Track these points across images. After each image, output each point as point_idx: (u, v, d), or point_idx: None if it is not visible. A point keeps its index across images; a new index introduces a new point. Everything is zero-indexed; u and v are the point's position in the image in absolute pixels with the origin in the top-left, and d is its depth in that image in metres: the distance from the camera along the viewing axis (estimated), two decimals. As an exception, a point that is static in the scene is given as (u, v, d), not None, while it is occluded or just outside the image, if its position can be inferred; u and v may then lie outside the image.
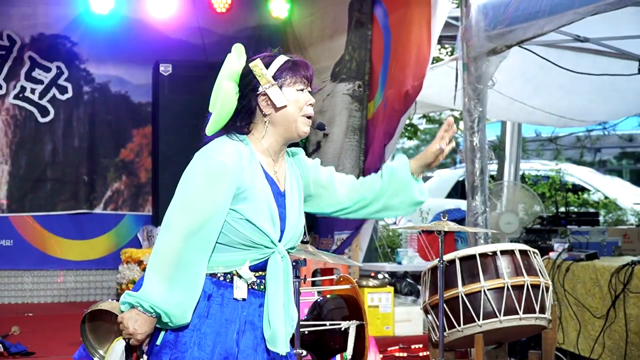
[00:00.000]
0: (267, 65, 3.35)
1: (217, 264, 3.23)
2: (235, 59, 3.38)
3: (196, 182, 3.18)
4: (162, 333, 3.22)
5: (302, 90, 3.35)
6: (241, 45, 3.42)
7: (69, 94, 9.52)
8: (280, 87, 3.32)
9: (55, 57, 9.46)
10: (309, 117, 3.38)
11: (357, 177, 8.24)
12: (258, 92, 3.32)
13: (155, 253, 3.15)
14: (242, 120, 3.33)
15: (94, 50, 9.52)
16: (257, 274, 3.27)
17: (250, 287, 3.26)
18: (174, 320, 3.15)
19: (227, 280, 3.24)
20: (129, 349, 3.26)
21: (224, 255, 3.23)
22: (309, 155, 9.12)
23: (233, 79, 3.34)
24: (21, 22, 9.32)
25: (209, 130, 3.32)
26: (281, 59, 3.37)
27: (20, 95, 9.37)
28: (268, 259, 3.27)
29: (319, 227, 9.07)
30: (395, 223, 11.49)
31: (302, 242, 4.99)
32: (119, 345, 3.31)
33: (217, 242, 3.20)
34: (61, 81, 9.49)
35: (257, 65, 3.33)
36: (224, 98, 3.31)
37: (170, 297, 3.12)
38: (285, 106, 3.32)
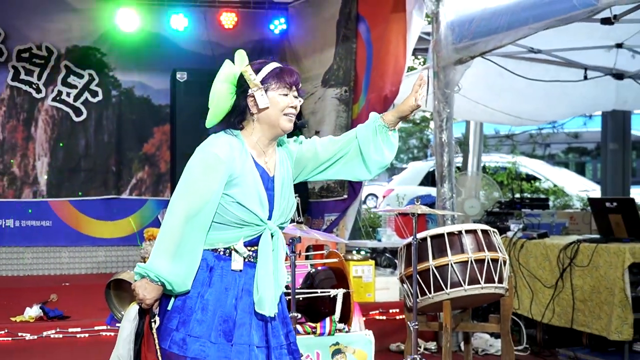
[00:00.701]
0: (257, 71, 3.35)
1: (217, 241, 3.28)
2: (230, 65, 3.39)
3: (195, 172, 3.24)
4: (172, 300, 3.27)
5: (285, 94, 3.34)
6: (243, 52, 3.42)
7: (99, 97, 9.49)
8: (266, 91, 3.32)
9: (87, 65, 9.43)
10: (292, 116, 3.37)
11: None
12: (247, 94, 3.34)
13: (161, 232, 3.22)
14: (236, 117, 3.36)
15: (120, 60, 9.50)
16: (252, 249, 3.31)
17: (247, 260, 3.30)
18: (175, 288, 3.21)
19: (226, 255, 3.29)
20: (142, 312, 3.33)
21: (222, 233, 3.28)
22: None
23: (228, 81, 3.35)
24: (58, 35, 9.29)
25: (208, 123, 3.38)
26: (270, 67, 3.37)
27: (57, 98, 9.35)
28: (261, 235, 3.30)
29: (311, 210, 9.07)
30: (376, 207, 11.50)
31: (297, 222, 5.02)
32: (133, 308, 3.38)
33: (215, 222, 3.25)
34: (92, 86, 9.46)
35: (247, 71, 3.34)
36: (217, 97, 3.34)
37: (172, 268, 3.18)
38: (267, 107, 3.32)
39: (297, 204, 8.59)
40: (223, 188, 3.23)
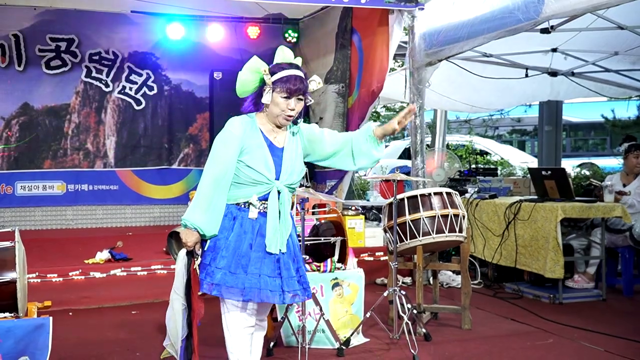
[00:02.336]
0: (273, 73, 3.36)
1: (238, 197, 3.35)
2: (256, 60, 3.41)
3: (217, 147, 3.34)
4: (207, 242, 3.36)
5: (286, 97, 3.34)
6: (285, 47, 3.47)
7: (155, 91, 9.46)
8: (273, 91, 3.34)
9: (145, 66, 9.38)
10: (289, 117, 3.37)
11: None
12: (263, 88, 3.38)
13: (196, 192, 3.31)
14: (256, 99, 3.41)
15: (171, 63, 9.45)
16: (265, 203, 3.36)
17: (261, 211, 3.36)
18: (206, 233, 3.32)
19: (245, 207, 3.35)
20: (190, 253, 3.39)
21: (241, 190, 3.35)
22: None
23: (252, 71, 3.38)
24: (121, 43, 9.23)
25: (238, 92, 3.41)
26: (283, 73, 3.36)
27: (122, 92, 9.31)
28: (270, 192, 3.35)
29: (316, 177, 9.07)
30: (365, 175, 11.47)
31: (306, 187, 5.01)
32: (182, 251, 3.46)
33: (235, 182, 3.33)
34: (149, 82, 9.42)
35: (266, 70, 3.37)
36: (240, 81, 3.38)
37: (203, 218, 3.29)
38: (269, 105, 3.36)
39: (306, 172, 8.63)
40: (237, 156, 3.31)
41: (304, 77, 3.41)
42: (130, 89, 9.34)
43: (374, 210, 8.85)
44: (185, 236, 3.32)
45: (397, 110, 20.72)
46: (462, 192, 7.48)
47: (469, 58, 7.79)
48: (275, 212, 3.33)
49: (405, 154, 15.65)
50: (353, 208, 7.55)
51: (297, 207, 4.76)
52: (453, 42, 6.50)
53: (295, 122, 3.48)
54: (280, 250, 3.35)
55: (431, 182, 8.16)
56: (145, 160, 9.45)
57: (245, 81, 3.38)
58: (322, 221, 5.34)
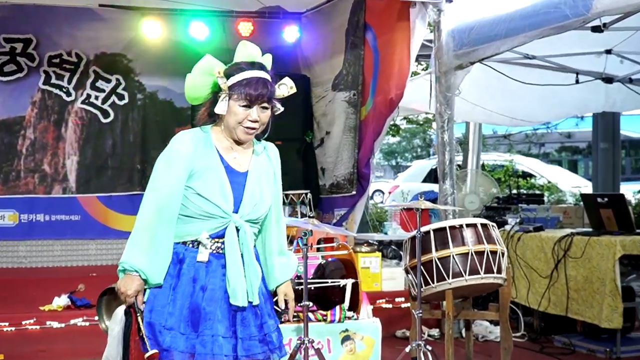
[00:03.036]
0: (228, 76, 3.22)
1: (185, 234, 3.21)
2: (209, 60, 3.30)
3: (159, 167, 3.22)
4: (147, 292, 3.20)
5: (245, 106, 3.21)
6: (248, 43, 3.34)
7: (126, 100, 9.49)
8: (230, 98, 3.21)
9: (114, 71, 9.43)
10: (250, 129, 3.25)
11: (353, 166, 8.15)
12: (218, 94, 3.25)
13: (135, 226, 3.21)
14: (211, 108, 3.28)
15: (145, 66, 9.49)
16: (219, 241, 3.22)
17: (214, 252, 3.22)
18: (150, 279, 3.16)
19: (194, 247, 3.21)
20: (129, 312, 3.22)
21: (189, 225, 3.20)
22: (315, 148, 9.15)
23: (206, 74, 3.27)
24: (86, 43, 9.28)
25: (187, 99, 3.35)
26: (241, 75, 3.22)
27: (86, 101, 9.34)
28: (227, 228, 3.22)
29: (322, 206, 9.05)
30: (382, 202, 11.48)
31: (309, 217, 5.00)
32: (119, 309, 3.29)
33: (182, 215, 3.19)
34: (119, 90, 9.46)
35: (219, 74, 3.23)
36: (188, 85, 3.29)
37: (145, 258, 3.13)
38: (224, 114, 3.23)
39: (310, 199, 8.63)
40: (185, 181, 3.17)
41: (269, 79, 3.27)
42: (97, 98, 9.38)
43: (393, 246, 8.82)
44: (124, 285, 3.15)
45: (421, 122, 20.80)
46: (501, 224, 7.45)
47: (507, 60, 7.80)
48: (235, 253, 3.20)
49: (431, 177, 15.64)
50: (367, 243, 7.52)
51: (298, 243, 4.74)
52: (488, 41, 6.52)
53: (258, 138, 3.36)
54: (251, 302, 3.24)
55: (463, 211, 8.14)
56: (113, 184, 9.46)
57: (195, 86, 3.27)
58: (330, 259, 5.32)
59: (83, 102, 9.33)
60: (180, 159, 3.18)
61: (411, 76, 7.72)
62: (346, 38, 8.72)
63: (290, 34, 9.51)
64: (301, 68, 9.64)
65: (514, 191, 9.95)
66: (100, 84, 9.38)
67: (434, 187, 11.92)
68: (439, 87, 7.05)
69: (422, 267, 5.16)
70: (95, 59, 9.33)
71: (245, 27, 9.41)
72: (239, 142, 3.29)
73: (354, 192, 8.49)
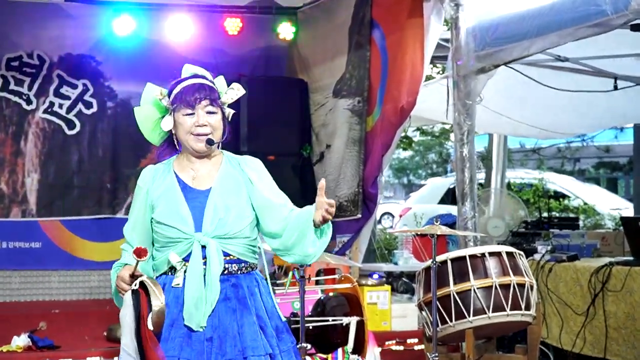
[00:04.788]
0: (170, 93, 3.71)
1: (162, 264, 3.63)
2: (149, 89, 3.78)
3: (132, 202, 3.81)
4: None
5: (189, 114, 3.61)
6: (191, 66, 3.80)
7: (94, 109, 9.48)
8: (175, 112, 3.66)
9: (81, 75, 9.41)
10: (201, 135, 3.62)
11: (357, 185, 8.18)
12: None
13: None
14: (169, 139, 3.76)
15: (117, 69, 9.48)
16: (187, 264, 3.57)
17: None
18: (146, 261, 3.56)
19: (172, 273, 3.60)
20: (136, 291, 3.46)
21: (163, 255, 3.61)
22: (314, 164, 9.16)
23: (150, 102, 3.76)
24: (50, 43, 9.28)
25: (147, 137, 3.91)
26: (180, 86, 3.69)
27: (49, 110, 9.33)
28: None
29: (322, 231, 9.04)
30: (392, 227, 11.48)
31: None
32: (127, 295, 3.48)
33: (156, 249, 3.66)
34: (87, 97, 9.46)
35: (158, 95, 3.73)
36: (139, 119, 3.87)
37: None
38: (172, 130, 3.68)
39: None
40: (148, 214, 3.67)
41: (210, 84, 3.69)
42: (61, 106, 9.38)
43: (404, 279, 8.82)
44: (118, 282, 3.52)
45: (437, 134, 20.86)
46: (530, 252, 7.45)
47: (536, 63, 7.83)
48: (197, 273, 3.53)
49: (449, 197, 15.65)
50: (375, 275, 7.51)
51: (293, 274, 4.74)
52: (514, 41, 6.54)
53: (210, 143, 3.63)
54: (202, 327, 3.50)
55: (486, 237, 8.14)
56: (79, 206, 9.44)
57: (147, 117, 3.79)
58: (330, 294, 5.31)
59: (45, 112, 9.32)
60: (140, 194, 3.74)
61: (425, 80, 7.74)
62: (349, 37, 8.75)
63: (285, 32, 9.53)
64: (297, 71, 9.65)
65: (545, 214, 9.95)
66: (65, 90, 9.38)
67: (452, 209, 11.93)
68: (458, 93, 7.06)
69: (438, 303, 5.15)
70: (59, 61, 9.33)
71: (232, 24, 9.42)
72: (199, 157, 3.67)
73: (358, 216, 8.48)
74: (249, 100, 8.49)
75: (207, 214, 3.57)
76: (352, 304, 5.17)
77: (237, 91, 3.73)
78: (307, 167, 9.20)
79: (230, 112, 3.72)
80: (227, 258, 3.58)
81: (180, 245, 3.56)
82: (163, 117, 3.71)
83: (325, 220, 3.54)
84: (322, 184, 3.64)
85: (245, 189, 3.68)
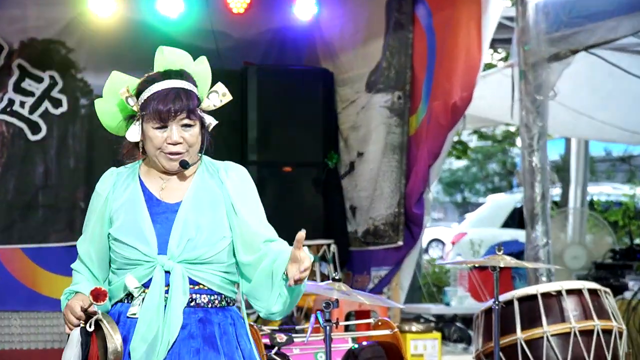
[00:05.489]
0: (139, 93, 3.67)
1: (119, 290, 3.65)
2: (115, 77, 3.79)
3: (88, 211, 3.79)
4: None
5: (160, 127, 3.59)
6: (167, 49, 3.80)
7: (64, 108, 9.51)
8: (142, 121, 3.64)
9: (48, 65, 9.47)
10: (173, 154, 3.61)
11: (398, 204, 8.21)
12: (136, 118, 3.69)
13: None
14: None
15: (93, 57, 9.52)
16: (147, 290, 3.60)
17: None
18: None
19: (128, 301, 3.63)
20: (84, 330, 3.52)
21: (120, 279, 3.63)
22: (342, 177, 9.16)
23: (113, 94, 3.72)
24: (9, 26, 9.31)
25: (110, 130, 3.86)
26: (152, 89, 3.64)
27: (8, 110, 9.35)
28: None
29: (353, 262, 9.04)
30: (442, 257, 11.47)
31: (333, 279, 4.99)
32: (74, 331, 3.56)
33: (114, 269, 3.69)
34: (55, 93, 9.49)
35: (127, 92, 3.66)
36: (99, 110, 3.80)
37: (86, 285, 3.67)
38: (141, 140, 3.67)
39: (334, 253, 8.61)
40: (106, 227, 3.69)
41: (187, 88, 3.64)
42: (22, 104, 9.42)
43: (458, 324, 8.81)
44: (67, 311, 3.56)
45: (499, 139, 20.83)
46: (618, 289, 7.42)
47: (625, 48, 7.81)
48: (155, 303, 3.55)
49: (514, 220, 15.60)
50: (420, 319, 7.50)
51: (316, 318, 4.74)
52: (598, 20, 6.53)
53: (184, 166, 3.64)
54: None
55: (562, 270, 8.11)
56: (45, 231, 9.47)
57: (108, 112, 3.76)
58: (364, 343, 5.31)
59: (3, 112, 9.37)
60: (98, 202, 3.73)
61: (484, 70, 7.75)
62: (387, 15, 8.77)
63: (304, 9, 9.54)
64: (320, 59, 9.66)
65: (637, 241, 9.91)
66: (27, 84, 9.42)
67: (519, 234, 11.90)
68: (525, 86, 7.07)
69: (501, 354, 5.14)
70: (21, 48, 9.37)
71: (238, 1, 9.45)
72: (170, 173, 3.70)
73: (399, 243, 8.49)
74: (259, 96, 8.53)
75: (174, 233, 3.59)
76: (391, 355, 5.16)
77: (221, 97, 3.70)
78: (333, 182, 9.20)
79: (210, 122, 3.70)
80: (196, 287, 3.60)
81: (140, 268, 3.59)
82: (128, 117, 3.69)
83: (297, 283, 3.48)
84: (300, 235, 3.50)
85: (224, 204, 3.68)
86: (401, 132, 8.55)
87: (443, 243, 18.99)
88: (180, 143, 3.58)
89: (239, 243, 3.66)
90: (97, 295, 3.42)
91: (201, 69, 3.73)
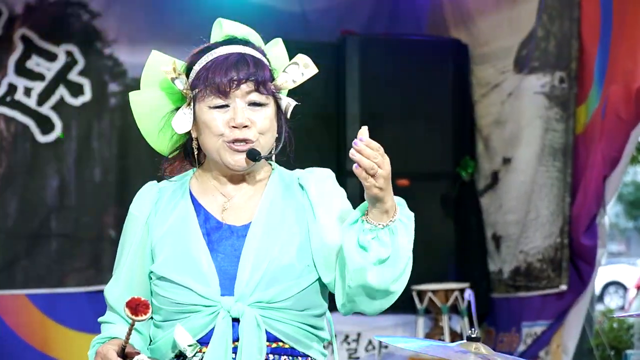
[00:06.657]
0: (190, 69, 3.71)
1: (165, 348, 3.67)
2: (156, 58, 3.77)
3: (119, 245, 3.84)
4: None
5: (220, 106, 3.62)
6: (226, 21, 3.81)
7: (86, 97, 9.62)
8: (195, 102, 3.67)
9: (63, 36, 9.58)
10: (238, 141, 3.62)
11: (561, 231, 8.22)
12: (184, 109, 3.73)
13: None
14: (187, 143, 3.78)
15: (126, 26, 9.62)
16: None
17: None
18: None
19: None
20: None
21: (165, 332, 3.66)
22: (480, 194, 9.16)
23: (155, 81, 3.75)
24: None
25: (153, 145, 3.97)
26: (204, 59, 3.69)
27: (8, 100, 9.47)
28: None
29: (496, 316, 9.05)
30: (623, 307, 11.41)
31: (469, 338, 4.99)
32: None
33: (157, 322, 3.71)
34: (73, 76, 9.60)
35: (167, 71, 3.65)
36: (137, 114, 3.87)
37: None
38: (193, 132, 3.72)
39: (469, 302, 8.58)
40: (147, 262, 3.72)
41: (257, 54, 3.70)
42: (28, 92, 9.54)
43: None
44: (102, 354, 3.58)
45: None
46: None
47: None
48: (220, 357, 3.54)
49: None
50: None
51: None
52: None
53: (254, 158, 3.64)
54: None
55: None
56: (59, 270, 9.59)
57: (151, 112, 3.79)
58: None
59: (1, 102, 9.48)
60: (134, 228, 3.78)
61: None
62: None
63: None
64: (449, 26, 9.68)
65: None
66: (35, 63, 9.55)
67: None
68: None
69: None
70: (25, 13, 9.51)
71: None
72: (234, 178, 3.74)
73: (563, 288, 8.46)
74: (363, 78, 8.54)
75: (245, 266, 3.59)
76: None
77: (303, 69, 3.70)
78: (469, 200, 9.20)
79: (289, 103, 3.69)
80: (274, 345, 3.59)
81: (196, 317, 3.58)
82: (178, 109, 3.71)
83: (375, 193, 3.40)
84: (361, 131, 3.53)
85: (307, 223, 3.68)
86: (565, 129, 8.52)
87: (625, 287, 18.93)
88: (247, 127, 3.57)
89: (320, 259, 3.62)
90: (136, 307, 3.39)
91: (275, 52, 3.73)
